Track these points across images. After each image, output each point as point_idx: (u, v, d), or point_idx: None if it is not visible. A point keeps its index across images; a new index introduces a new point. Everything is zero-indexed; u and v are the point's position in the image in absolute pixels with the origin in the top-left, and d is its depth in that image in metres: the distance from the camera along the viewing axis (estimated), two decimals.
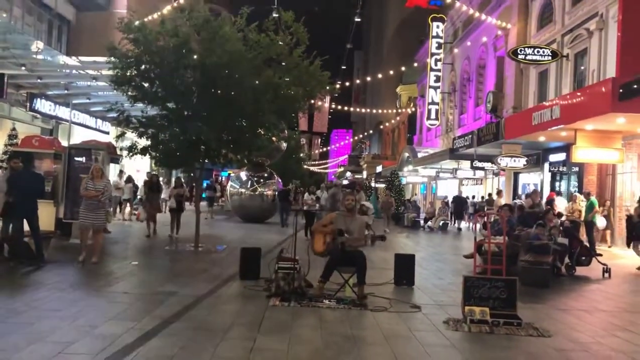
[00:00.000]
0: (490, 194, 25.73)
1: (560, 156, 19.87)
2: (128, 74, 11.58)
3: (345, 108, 46.86)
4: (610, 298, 8.78)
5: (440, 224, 23.12)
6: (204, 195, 24.79)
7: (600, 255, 11.52)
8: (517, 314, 6.42)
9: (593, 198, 15.51)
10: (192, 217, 13.02)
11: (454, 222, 25.11)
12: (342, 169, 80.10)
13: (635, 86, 12.11)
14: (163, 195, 17.96)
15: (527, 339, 5.85)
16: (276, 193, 22.75)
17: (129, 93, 11.84)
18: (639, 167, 16.62)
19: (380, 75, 36.43)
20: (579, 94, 15.30)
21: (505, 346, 5.59)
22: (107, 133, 22.95)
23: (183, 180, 20.00)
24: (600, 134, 15.79)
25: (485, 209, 22.47)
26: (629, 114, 13.48)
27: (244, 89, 11.58)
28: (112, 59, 11.50)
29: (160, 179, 18.91)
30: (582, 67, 19.52)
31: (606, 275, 10.64)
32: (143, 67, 11.66)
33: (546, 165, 21.45)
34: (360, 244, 7.65)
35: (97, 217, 9.48)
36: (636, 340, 6.01)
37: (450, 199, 26.73)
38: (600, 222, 16.02)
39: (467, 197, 27.44)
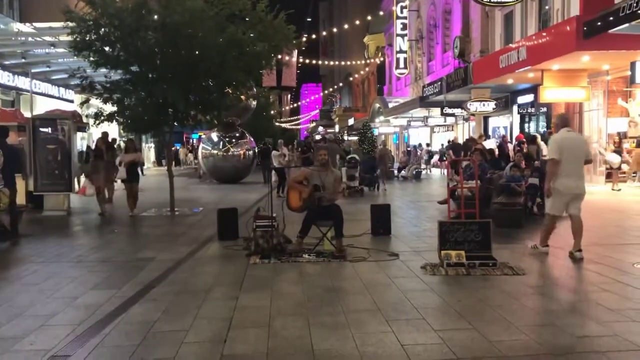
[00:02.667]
0: (450, 140, 25.74)
1: (529, 98, 20.06)
2: (87, 38, 11.23)
3: (314, 62, 46.23)
4: None
5: (414, 172, 23.31)
6: None
7: None
8: (492, 254, 6.60)
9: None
10: (166, 181, 12.87)
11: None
12: (314, 124, 79.74)
13: (599, 23, 12.18)
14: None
15: (503, 278, 6.02)
16: (257, 151, 22.74)
17: (91, 58, 11.51)
18: (605, 104, 16.89)
19: (346, 26, 35.89)
20: (544, 34, 15.35)
21: (481, 286, 5.75)
22: (72, 101, 22.37)
23: (148, 142, 18.28)
24: (566, 74, 16.00)
25: (445, 154, 22.49)
26: (593, 51, 13.64)
27: (207, 47, 11.34)
28: (69, 23, 11.12)
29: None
30: (547, 7, 19.50)
31: None
32: (102, 30, 11.30)
33: (515, 108, 21.65)
34: (336, 197, 7.70)
35: None
36: (605, 271, 6.24)
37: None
38: (614, 158, 15.45)
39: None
